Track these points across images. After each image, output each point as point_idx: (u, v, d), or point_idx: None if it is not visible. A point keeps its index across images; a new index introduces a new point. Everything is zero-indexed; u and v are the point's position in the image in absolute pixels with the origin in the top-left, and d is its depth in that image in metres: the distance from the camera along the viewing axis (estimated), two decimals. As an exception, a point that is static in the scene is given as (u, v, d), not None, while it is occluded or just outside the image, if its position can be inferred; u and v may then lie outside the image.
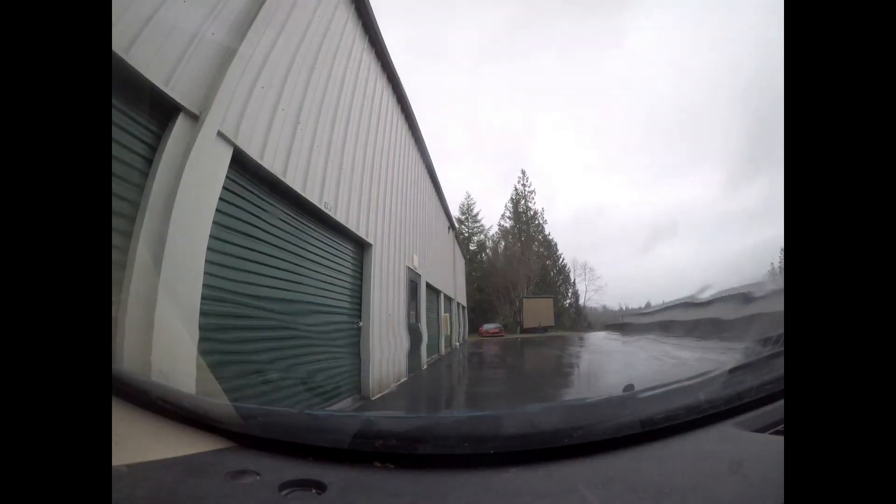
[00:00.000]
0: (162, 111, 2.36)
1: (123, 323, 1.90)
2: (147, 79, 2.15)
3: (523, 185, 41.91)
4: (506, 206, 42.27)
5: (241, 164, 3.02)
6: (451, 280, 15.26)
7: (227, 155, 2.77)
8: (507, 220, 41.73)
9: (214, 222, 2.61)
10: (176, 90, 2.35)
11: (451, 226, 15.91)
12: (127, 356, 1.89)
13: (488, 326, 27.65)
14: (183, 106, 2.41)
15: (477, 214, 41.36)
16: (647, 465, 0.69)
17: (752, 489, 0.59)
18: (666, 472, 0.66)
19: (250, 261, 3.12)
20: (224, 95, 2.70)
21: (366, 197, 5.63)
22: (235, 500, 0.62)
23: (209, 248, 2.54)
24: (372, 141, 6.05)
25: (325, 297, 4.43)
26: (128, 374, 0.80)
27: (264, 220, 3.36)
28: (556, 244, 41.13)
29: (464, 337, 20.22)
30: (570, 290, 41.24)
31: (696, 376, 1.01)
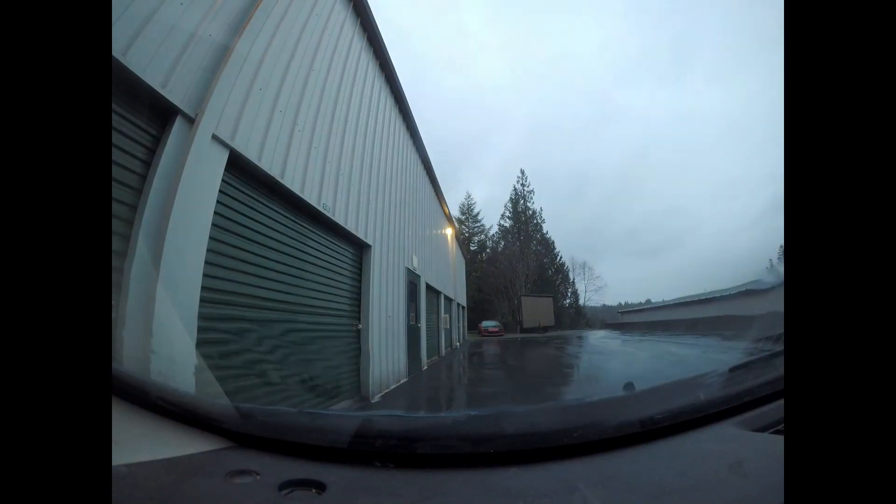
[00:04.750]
0: (159, 114, 2.35)
1: (123, 323, 1.90)
2: (145, 82, 2.15)
3: (522, 184, 42.05)
4: (505, 206, 42.42)
5: (239, 167, 3.02)
6: (451, 280, 15.25)
7: (222, 157, 2.77)
8: (507, 219, 41.87)
9: (213, 224, 2.60)
10: (173, 93, 2.35)
11: (451, 226, 15.91)
12: (127, 356, 1.89)
13: (487, 324, 27.50)
14: (180, 109, 2.41)
15: (477, 215, 41.46)
16: (647, 465, 0.69)
17: (752, 489, 0.59)
18: (666, 472, 0.66)
19: (249, 263, 3.11)
20: (219, 98, 2.70)
21: (365, 198, 5.62)
22: (235, 500, 0.62)
23: (208, 250, 2.54)
24: (371, 141, 6.05)
25: (325, 298, 4.42)
26: (128, 374, 0.80)
27: (263, 223, 3.36)
28: (553, 243, 41.26)
29: (463, 336, 20.24)
30: (570, 290, 41.34)
31: (696, 375, 1.01)
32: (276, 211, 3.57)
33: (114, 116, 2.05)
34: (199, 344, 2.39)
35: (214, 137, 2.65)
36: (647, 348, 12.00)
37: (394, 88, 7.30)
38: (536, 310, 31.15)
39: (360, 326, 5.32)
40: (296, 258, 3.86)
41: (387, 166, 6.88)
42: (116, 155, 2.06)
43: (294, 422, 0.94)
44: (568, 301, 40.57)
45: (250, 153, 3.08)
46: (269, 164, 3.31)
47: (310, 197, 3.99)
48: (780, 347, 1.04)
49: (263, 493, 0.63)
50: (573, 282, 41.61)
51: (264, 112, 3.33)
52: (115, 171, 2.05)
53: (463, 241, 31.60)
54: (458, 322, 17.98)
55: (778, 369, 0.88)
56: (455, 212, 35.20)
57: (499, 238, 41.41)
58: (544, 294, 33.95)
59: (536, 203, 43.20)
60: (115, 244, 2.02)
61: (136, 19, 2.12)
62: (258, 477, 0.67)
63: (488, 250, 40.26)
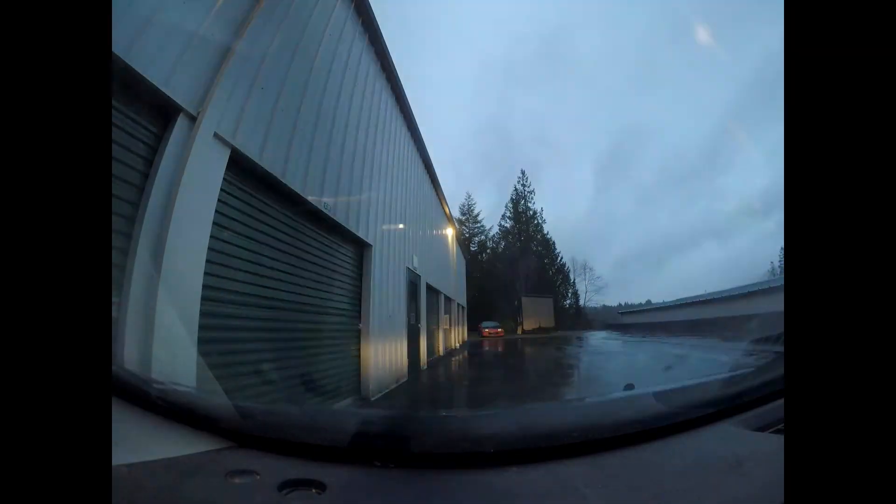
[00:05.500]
0: (162, 112, 2.35)
1: (123, 323, 1.90)
2: (147, 79, 2.15)
3: (523, 185, 42.01)
4: (506, 207, 42.38)
5: (240, 165, 3.02)
6: (452, 280, 15.25)
7: (224, 156, 2.77)
8: (508, 220, 41.83)
9: (214, 223, 2.60)
10: (176, 91, 2.35)
11: (452, 226, 15.91)
12: (127, 356, 1.89)
13: (487, 325, 27.44)
14: (182, 107, 2.41)
15: (477, 215, 41.43)
16: (648, 465, 0.69)
17: (753, 488, 0.59)
18: (666, 472, 0.66)
19: (250, 262, 3.11)
20: (221, 96, 2.70)
21: (366, 197, 5.62)
22: (235, 500, 0.62)
23: (209, 249, 2.54)
24: (371, 140, 6.05)
25: (325, 298, 4.42)
26: (128, 373, 0.80)
27: (264, 222, 3.36)
28: (554, 243, 41.24)
29: (463, 337, 20.25)
30: (570, 291, 41.32)
31: (697, 381, 1.01)
32: (277, 210, 3.57)
33: (116, 114, 2.05)
34: (200, 343, 2.39)
35: (216, 136, 2.65)
36: (648, 349, 11.99)
37: (395, 88, 7.29)
38: (537, 310, 31.14)
39: (361, 326, 5.32)
40: (297, 257, 3.86)
41: (388, 166, 6.88)
42: (118, 152, 2.06)
43: (294, 421, 0.94)
44: (568, 302, 40.56)
45: (251, 152, 3.08)
46: (270, 162, 3.31)
47: (311, 196, 3.99)
48: (780, 347, 1.04)
49: (263, 493, 0.63)
50: (574, 282, 41.61)
51: (266, 111, 3.33)
52: (117, 169, 2.05)
53: (463, 241, 31.58)
54: (458, 322, 17.99)
55: (778, 369, 0.88)
56: (455, 212, 35.21)
57: (499, 238, 41.39)
58: (544, 295, 33.92)
59: (537, 203, 43.14)
60: (116, 242, 2.03)
61: (138, 17, 2.12)
62: (258, 477, 0.67)
63: (489, 251, 40.23)
